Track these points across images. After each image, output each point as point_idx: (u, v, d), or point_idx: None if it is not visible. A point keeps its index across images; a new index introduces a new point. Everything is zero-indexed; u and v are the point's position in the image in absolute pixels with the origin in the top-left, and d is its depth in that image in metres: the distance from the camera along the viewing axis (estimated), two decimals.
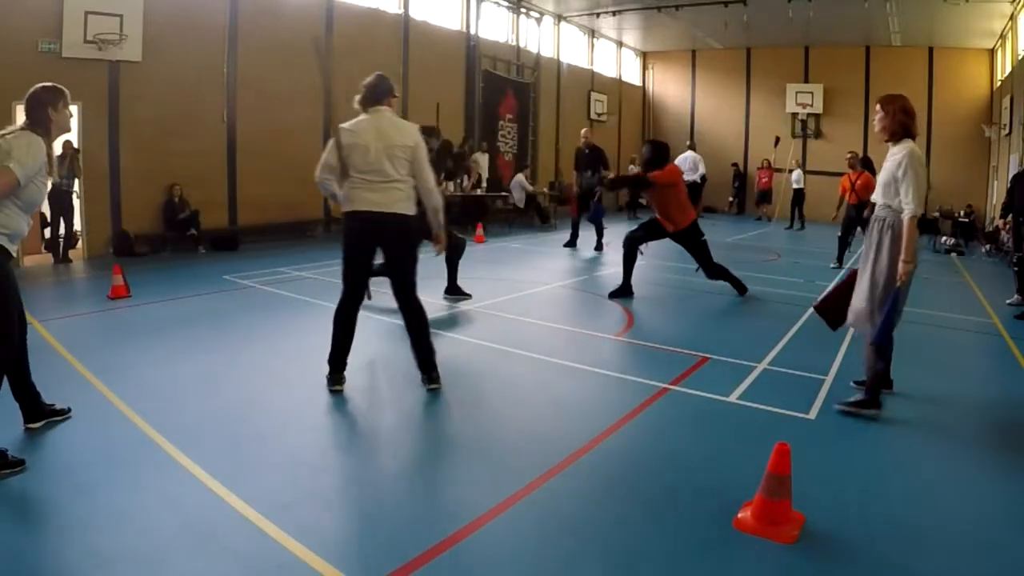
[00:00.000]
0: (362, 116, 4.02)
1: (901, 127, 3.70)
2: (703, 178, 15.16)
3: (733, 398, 4.21)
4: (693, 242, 7.05)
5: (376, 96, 4.03)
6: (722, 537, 2.65)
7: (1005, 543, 2.68)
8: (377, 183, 3.91)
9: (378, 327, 5.76)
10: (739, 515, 2.75)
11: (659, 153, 7.05)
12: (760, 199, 19.04)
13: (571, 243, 11.41)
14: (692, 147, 14.26)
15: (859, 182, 9.57)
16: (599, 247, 11.12)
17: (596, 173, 10.87)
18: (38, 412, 3.48)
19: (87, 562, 2.34)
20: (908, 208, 3.62)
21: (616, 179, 7.26)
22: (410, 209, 4.00)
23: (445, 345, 5.30)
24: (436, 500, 2.91)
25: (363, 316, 5.80)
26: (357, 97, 4.05)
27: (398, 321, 5.84)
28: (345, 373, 4.20)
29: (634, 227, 7.31)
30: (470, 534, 2.60)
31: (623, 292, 7.12)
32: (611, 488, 3.08)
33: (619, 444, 3.55)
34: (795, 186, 17.18)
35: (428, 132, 6.62)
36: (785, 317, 6.54)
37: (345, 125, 3.99)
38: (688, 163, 13.94)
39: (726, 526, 2.71)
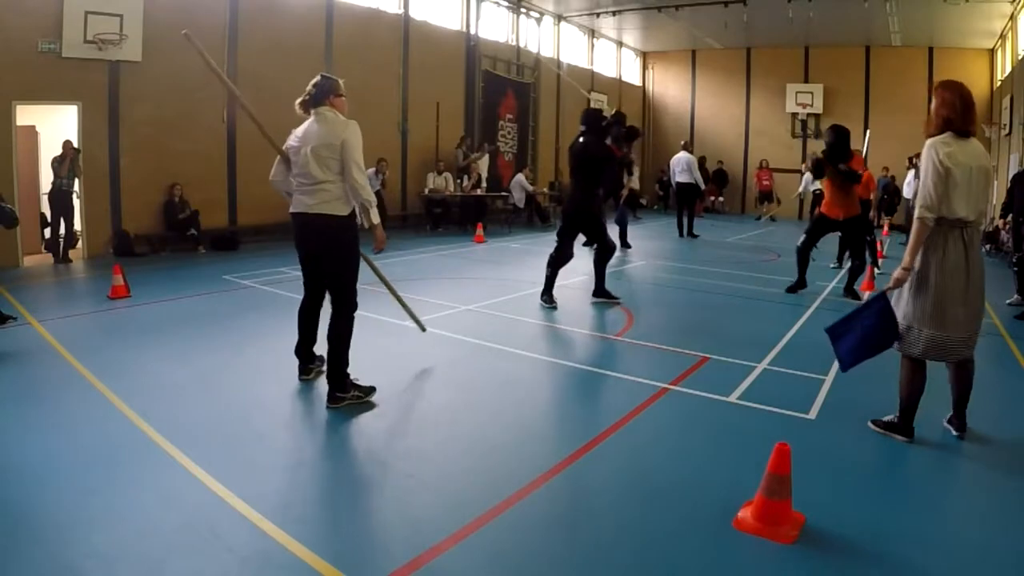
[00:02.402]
0: (306, 120, 4.01)
1: (944, 121, 3.35)
2: (708, 178, 15.05)
3: (733, 398, 4.21)
4: (857, 231, 7.27)
5: (316, 99, 3.98)
6: (722, 537, 2.65)
7: (1004, 542, 2.68)
8: (307, 186, 3.90)
9: (377, 327, 5.76)
10: (739, 515, 2.75)
11: (844, 140, 7.10)
12: (761, 199, 19.01)
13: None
14: (686, 148, 14.23)
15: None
16: (625, 246, 11.14)
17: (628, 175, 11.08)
18: None
19: (87, 562, 2.34)
20: (915, 209, 3.39)
21: (841, 171, 7.01)
22: (339, 210, 3.88)
23: (446, 345, 5.30)
24: (436, 499, 2.90)
25: (364, 319, 5.80)
26: (298, 101, 4.02)
27: (397, 320, 5.86)
28: (312, 366, 4.40)
29: (801, 237, 7.45)
30: (471, 533, 2.60)
31: (799, 285, 7.41)
32: (611, 488, 3.08)
33: (619, 444, 3.55)
34: (812, 188, 17.05)
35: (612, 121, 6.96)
36: (785, 317, 6.53)
37: (295, 129, 4.05)
38: (682, 164, 13.89)
39: (726, 526, 2.71)
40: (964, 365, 3.54)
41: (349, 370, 4.02)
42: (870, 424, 3.76)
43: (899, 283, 3.44)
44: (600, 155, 6.56)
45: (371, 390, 4.07)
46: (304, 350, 4.38)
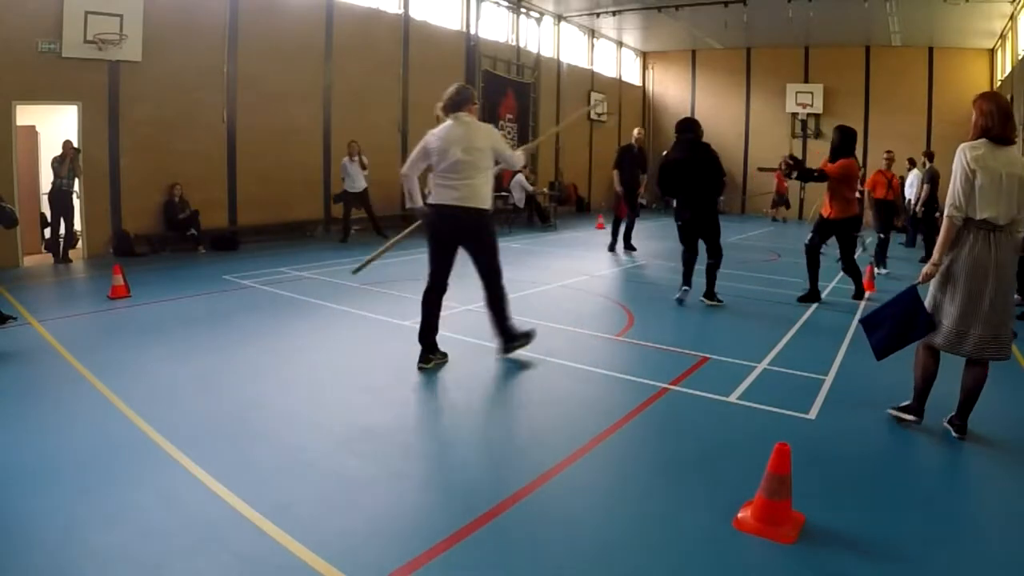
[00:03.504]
0: (445, 122, 4.57)
1: (981, 130, 3.51)
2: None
3: (733, 398, 4.21)
4: (845, 234, 7.30)
5: (456, 105, 4.55)
6: (722, 537, 2.65)
7: (1004, 541, 2.68)
8: (454, 180, 4.45)
9: (376, 326, 5.77)
10: (739, 515, 2.75)
11: (847, 140, 7.11)
12: (778, 201, 18.94)
13: (617, 245, 11.13)
14: None
15: (895, 180, 9.41)
16: (630, 248, 11.03)
17: (644, 174, 11.06)
18: None
19: (86, 562, 2.34)
20: (945, 208, 3.53)
21: (802, 169, 7.22)
22: (484, 203, 4.52)
23: (446, 345, 5.29)
24: (436, 500, 2.91)
25: (365, 319, 5.80)
26: (439, 105, 4.60)
27: (401, 322, 5.86)
28: (433, 356, 4.71)
29: (810, 236, 7.39)
30: (470, 534, 2.60)
31: (812, 297, 7.27)
32: (611, 488, 3.08)
33: (619, 444, 3.55)
34: None
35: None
36: (785, 317, 6.53)
37: (434, 129, 4.59)
38: None
39: (726, 526, 2.71)
40: (980, 366, 3.59)
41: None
42: (889, 411, 3.90)
43: (927, 277, 3.60)
44: (714, 157, 6.85)
45: (532, 332, 4.99)
46: (429, 338, 4.70)
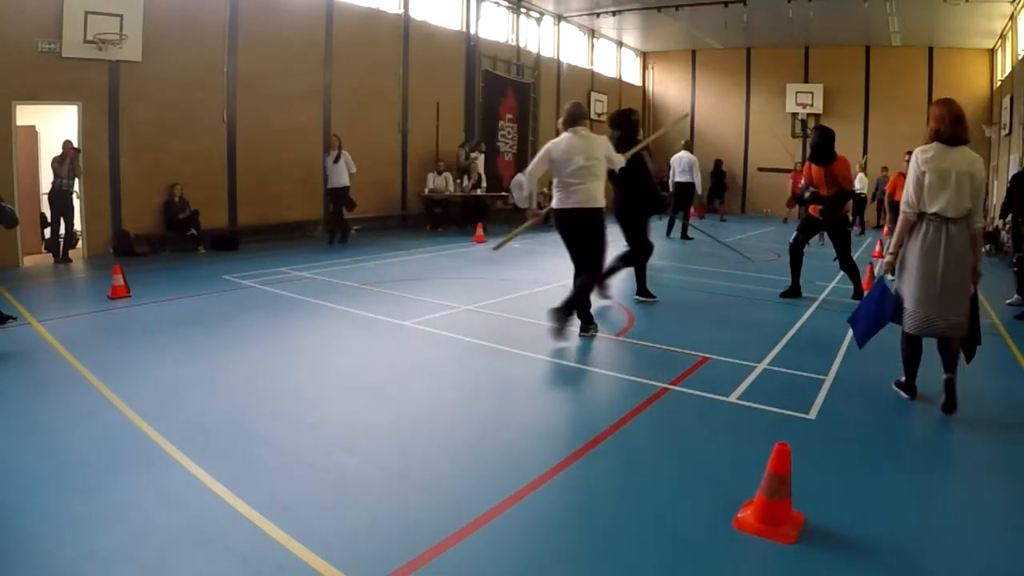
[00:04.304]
0: (564, 134, 5.35)
1: (934, 133, 3.91)
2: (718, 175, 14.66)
3: (733, 398, 4.21)
4: (839, 231, 7.38)
5: (573, 119, 5.37)
6: (722, 537, 2.65)
7: (1003, 541, 2.68)
8: (575, 185, 5.22)
9: (375, 326, 5.77)
10: (739, 515, 2.75)
11: (828, 141, 7.15)
12: (799, 202, 18.74)
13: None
14: (687, 147, 14.13)
15: None
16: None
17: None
18: None
19: (86, 562, 2.34)
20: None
21: (826, 199, 7.17)
22: (598, 203, 5.30)
23: (446, 345, 5.31)
24: (436, 499, 2.90)
25: (365, 319, 5.83)
26: (560, 120, 5.47)
27: (401, 322, 5.87)
28: (592, 326, 5.54)
29: (794, 234, 7.50)
30: (470, 533, 2.60)
31: (793, 292, 7.49)
32: (611, 488, 3.08)
33: (619, 444, 3.55)
34: (858, 190, 15.52)
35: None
36: (785, 317, 6.53)
37: (555, 140, 5.40)
38: (683, 164, 13.78)
39: (726, 526, 2.71)
40: (949, 342, 3.94)
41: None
42: (893, 384, 4.33)
43: (888, 267, 4.09)
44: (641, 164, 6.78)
45: (593, 329, 5.52)
46: (584, 310, 5.48)
